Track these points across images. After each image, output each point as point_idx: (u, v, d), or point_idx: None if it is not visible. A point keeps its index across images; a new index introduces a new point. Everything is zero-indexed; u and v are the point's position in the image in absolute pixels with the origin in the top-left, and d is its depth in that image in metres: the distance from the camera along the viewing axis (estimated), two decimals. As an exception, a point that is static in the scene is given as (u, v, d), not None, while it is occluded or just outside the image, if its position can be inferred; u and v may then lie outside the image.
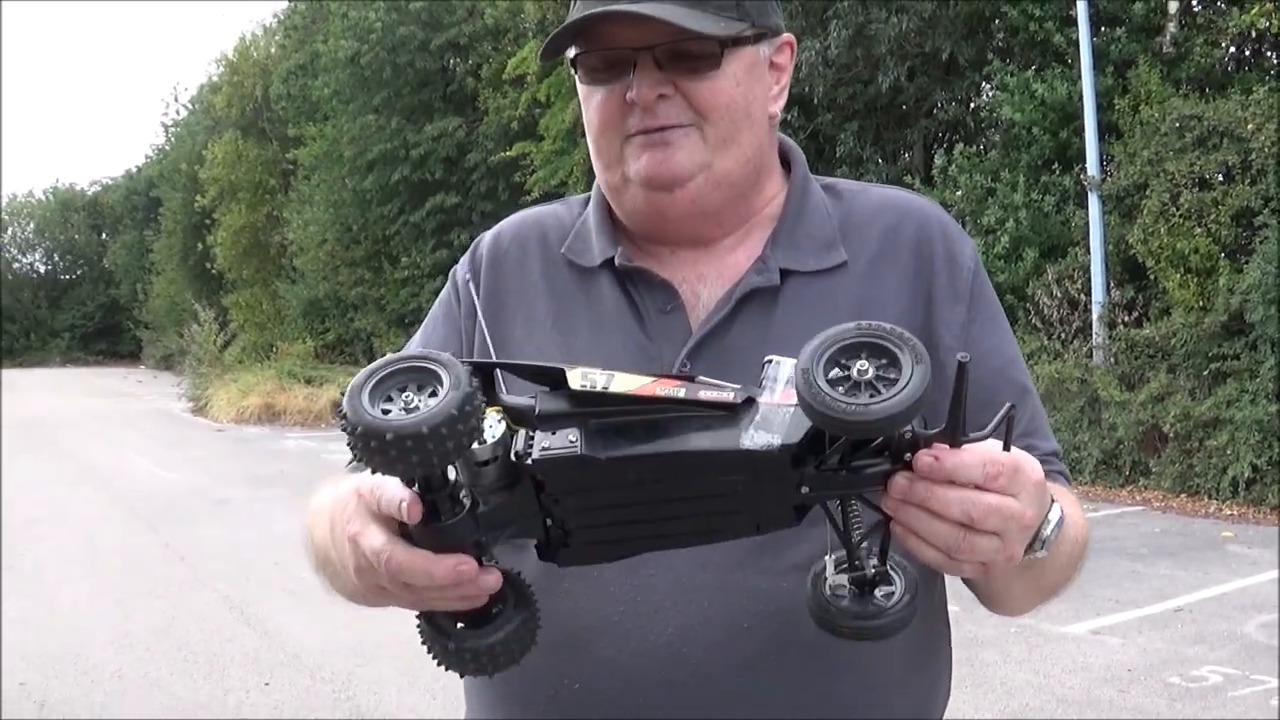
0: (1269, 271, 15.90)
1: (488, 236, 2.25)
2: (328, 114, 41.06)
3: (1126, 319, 18.81)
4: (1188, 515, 15.58)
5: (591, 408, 1.43)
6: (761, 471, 1.42)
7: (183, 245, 61.84)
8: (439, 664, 1.55)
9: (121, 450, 26.80)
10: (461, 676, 1.54)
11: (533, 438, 1.42)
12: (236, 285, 54.53)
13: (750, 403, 1.44)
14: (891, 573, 1.54)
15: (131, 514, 17.56)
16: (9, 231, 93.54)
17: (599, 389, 1.42)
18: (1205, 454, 16.43)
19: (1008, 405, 1.47)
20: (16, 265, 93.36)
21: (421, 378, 1.35)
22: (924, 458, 1.44)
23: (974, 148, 22.08)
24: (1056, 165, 20.65)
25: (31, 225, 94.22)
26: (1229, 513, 15.70)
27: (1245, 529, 14.74)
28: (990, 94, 23.04)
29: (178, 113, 70.91)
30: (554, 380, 1.45)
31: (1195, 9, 21.48)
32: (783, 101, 2.09)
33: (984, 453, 1.47)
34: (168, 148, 70.43)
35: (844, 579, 1.53)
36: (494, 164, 33.70)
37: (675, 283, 2.02)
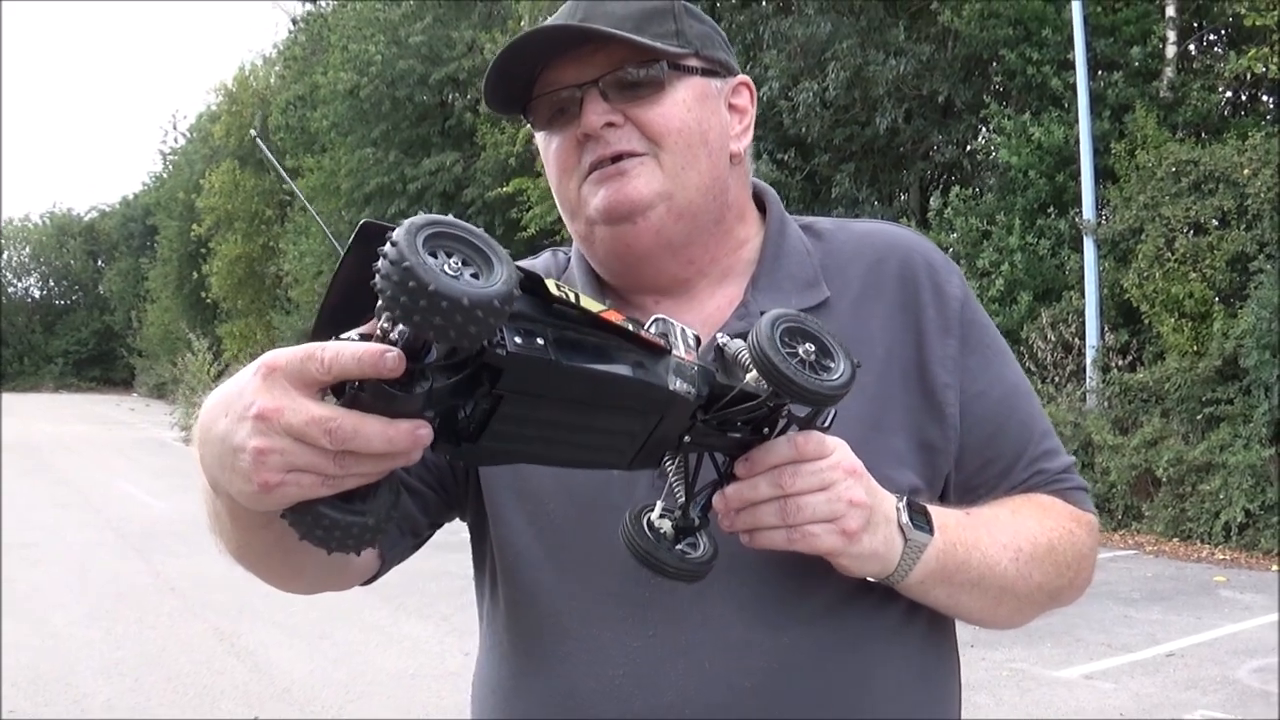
0: (1264, 316, 15.94)
1: None
2: (325, 146, 41.06)
3: (1120, 363, 18.84)
4: (1180, 560, 15.54)
5: (555, 319, 1.45)
6: (668, 415, 1.54)
7: (178, 273, 61.92)
8: (314, 534, 1.45)
9: (113, 477, 26.75)
10: (332, 552, 1.45)
11: (501, 330, 1.40)
12: (230, 315, 54.57)
13: (668, 351, 1.54)
14: (705, 536, 1.70)
15: (123, 542, 17.48)
16: (5, 255, 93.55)
17: (571, 300, 1.45)
18: (1198, 498, 16.43)
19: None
20: (12, 290, 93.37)
21: (468, 252, 1.33)
22: (740, 463, 1.65)
23: (970, 190, 22.13)
24: (1052, 209, 20.74)
25: (28, 250, 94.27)
26: (1221, 557, 15.70)
27: (1238, 574, 14.74)
28: (987, 137, 23.17)
29: (176, 141, 71.28)
30: (531, 283, 1.43)
31: (1193, 53, 21.62)
32: (746, 141, 2.08)
33: (791, 436, 1.65)
34: (165, 175, 70.69)
35: (667, 523, 1.68)
36: (490, 200, 33.53)
37: None
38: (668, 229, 1.96)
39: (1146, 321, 18.60)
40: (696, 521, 1.70)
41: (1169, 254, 18.09)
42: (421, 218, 1.31)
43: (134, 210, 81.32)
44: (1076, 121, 19.91)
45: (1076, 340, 19.31)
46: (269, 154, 2.62)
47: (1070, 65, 20.26)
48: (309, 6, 47.40)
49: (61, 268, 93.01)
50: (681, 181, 1.95)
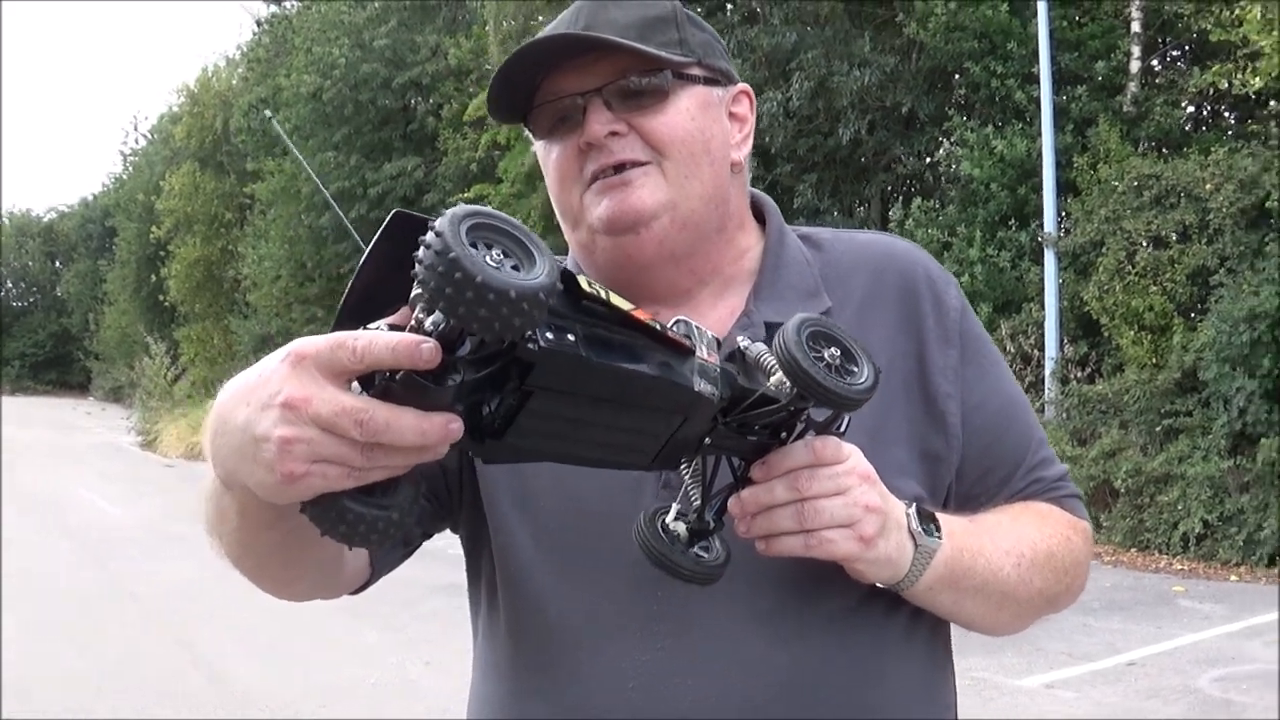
0: (1224, 330, 15.93)
1: None
2: (286, 149, 40.56)
3: (1079, 375, 18.86)
4: (1139, 570, 15.48)
5: (585, 316, 1.44)
6: (692, 415, 1.55)
7: (136, 276, 61.28)
8: (337, 528, 1.42)
9: (70, 484, 26.59)
10: (354, 547, 1.45)
11: None
12: (188, 319, 54.03)
13: (691, 353, 1.54)
14: (719, 541, 1.71)
15: (82, 549, 17.39)
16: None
17: (603, 296, 1.45)
18: (1156, 509, 16.41)
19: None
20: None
21: (509, 244, 1.32)
22: (756, 467, 1.66)
23: (931, 202, 22.12)
24: (1013, 221, 20.79)
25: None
26: (1180, 567, 15.70)
27: (1196, 584, 14.75)
28: (949, 149, 23.14)
29: (137, 142, 70.48)
30: (564, 279, 1.41)
31: (1156, 69, 21.79)
32: (747, 149, 2.08)
33: (808, 440, 1.67)
34: (125, 177, 69.94)
35: (681, 525, 1.68)
36: (452, 205, 33.06)
37: None
38: (671, 239, 1.96)
39: (1106, 334, 18.64)
40: (711, 525, 1.70)
41: (1130, 267, 18.14)
42: (463, 208, 1.30)
43: (93, 212, 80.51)
44: (1039, 135, 19.98)
45: (1036, 352, 19.35)
46: (286, 138, 2.69)
47: (1034, 79, 20.37)
48: (274, 8, 47.30)
49: (19, 269, 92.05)
50: (685, 191, 1.95)
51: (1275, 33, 16.82)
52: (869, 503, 1.69)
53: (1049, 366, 18.93)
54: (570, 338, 1.39)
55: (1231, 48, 18.47)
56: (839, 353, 1.58)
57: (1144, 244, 18.13)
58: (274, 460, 1.36)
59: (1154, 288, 17.88)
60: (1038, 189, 20.17)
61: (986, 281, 20.06)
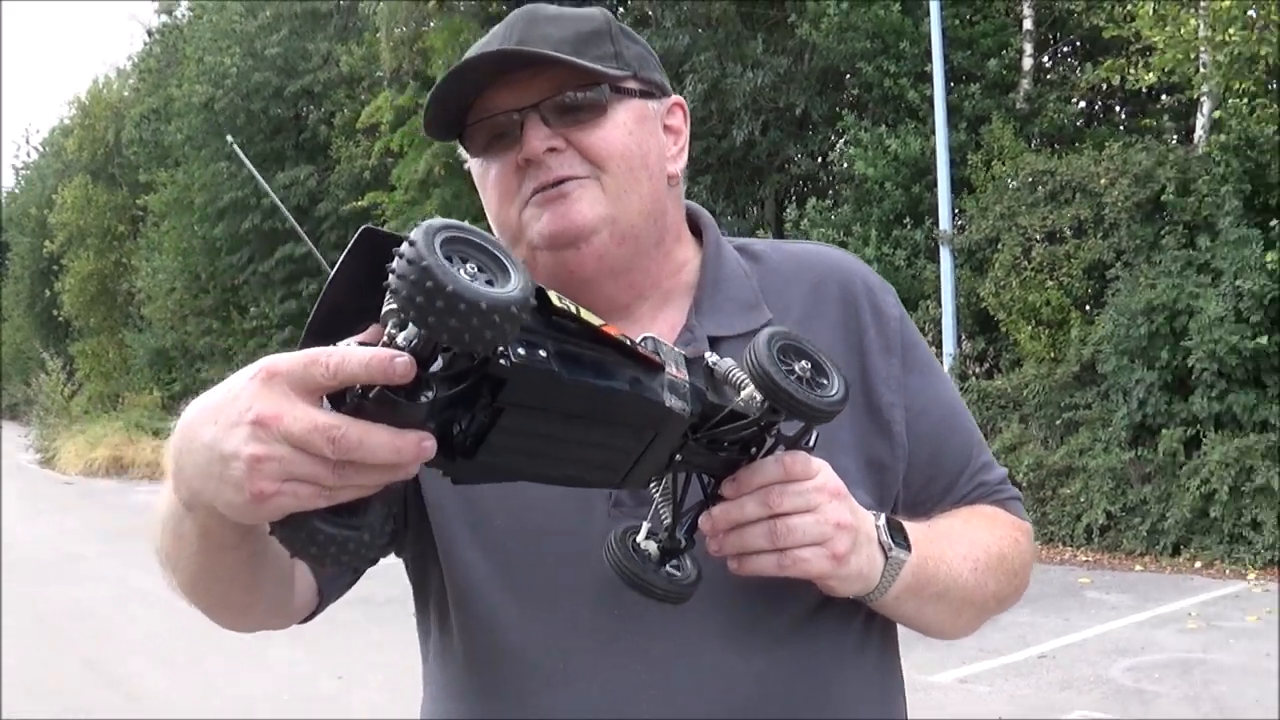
0: (1121, 323, 16.02)
1: None
2: (179, 160, 40.40)
3: (978, 370, 19.06)
4: (1044, 563, 15.34)
5: (555, 332, 1.41)
6: (664, 431, 1.52)
7: (30, 291, 60.73)
8: (309, 550, 1.39)
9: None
10: (326, 567, 1.51)
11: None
12: (83, 333, 53.53)
13: (661, 368, 1.50)
14: (691, 559, 1.68)
15: (-17, 570, 16.95)
16: None
17: (574, 312, 1.42)
18: (1059, 502, 16.54)
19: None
20: None
21: (483, 258, 1.30)
22: (727, 484, 1.64)
23: (826, 202, 22.04)
24: (908, 219, 20.74)
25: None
26: (1084, 559, 15.84)
27: (1101, 575, 14.89)
28: (843, 149, 23.17)
29: (29, 155, 69.73)
30: (537, 294, 1.38)
31: (1048, 65, 22.07)
32: (682, 162, 2.04)
33: (779, 456, 1.64)
34: (17, 191, 69.14)
35: (652, 544, 1.65)
36: (345, 213, 33.41)
37: None
38: (611, 253, 1.92)
39: (1003, 329, 18.64)
40: (683, 543, 1.67)
41: (1026, 263, 18.14)
42: (438, 221, 1.28)
43: (-14, 227, 79.67)
44: (933, 133, 19.93)
45: (934, 348, 19.02)
46: (243, 156, 2.45)
47: (927, 77, 20.30)
48: (165, 18, 46.78)
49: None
50: (624, 205, 1.91)
51: (1168, 28, 16.93)
52: (840, 519, 1.67)
53: (947, 363, 18.78)
54: (542, 354, 1.37)
55: (1123, 43, 18.68)
56: (809, 365, 1.58)
57: (1039, 239, 18.12)
58: (243, 479, 1.33)
59: (1050, 283, 17.89)
60: (932, 187, 20.14)
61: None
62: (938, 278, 19.41)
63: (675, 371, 1.52)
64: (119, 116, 49.90)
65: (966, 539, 1.95)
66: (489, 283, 1.26)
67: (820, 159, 24.57)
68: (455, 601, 1.94)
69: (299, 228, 2.52)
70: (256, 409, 1.31)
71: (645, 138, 1.94)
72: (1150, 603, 13.03)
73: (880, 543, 1.75)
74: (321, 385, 1.30)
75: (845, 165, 22.38)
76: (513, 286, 1.27)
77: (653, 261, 1.99)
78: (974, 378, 18.63)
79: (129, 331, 47.63)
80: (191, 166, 38.96)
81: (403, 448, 1.30)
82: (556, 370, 1.37)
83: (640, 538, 1.66)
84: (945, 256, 19.17)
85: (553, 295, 1.39)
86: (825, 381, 1.58)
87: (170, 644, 11.57)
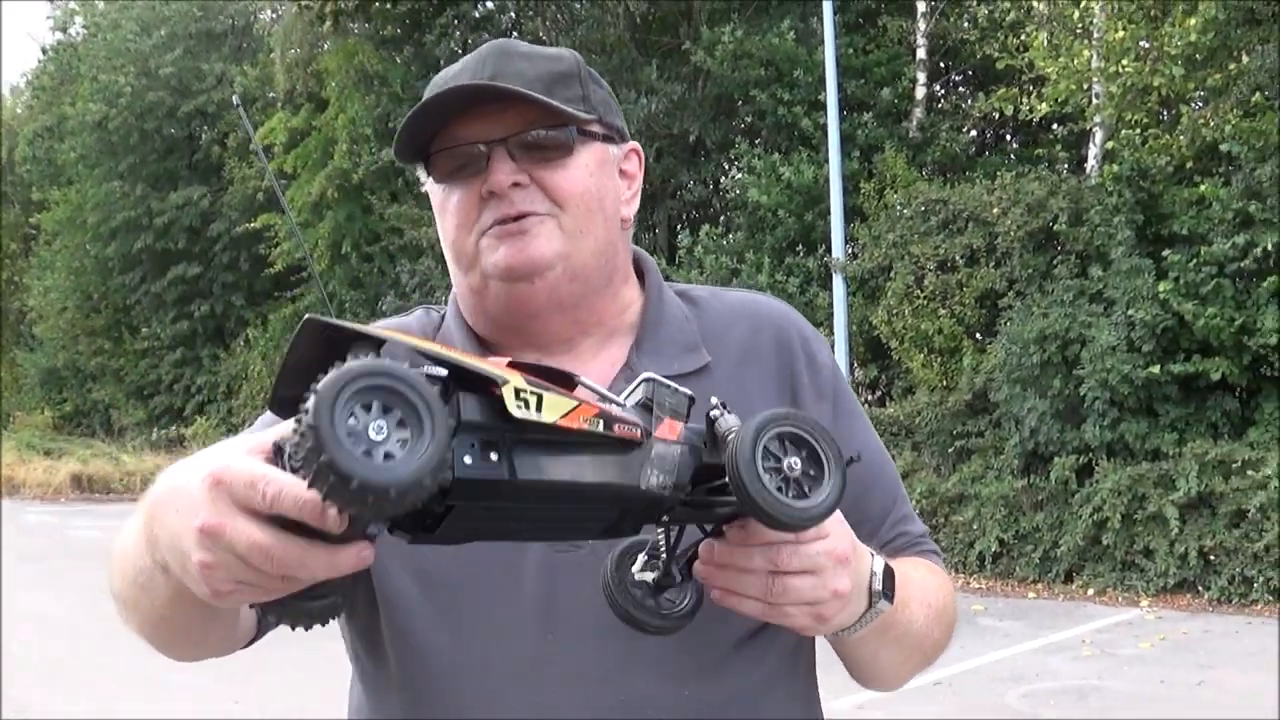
0: (1014, 351, 15.90)
1: None
2: (72, 178, 39.80)
3: (870, 398, 19.03)
4: (937, 590, 15.30)
5: (514, 426, 1.33)
6: (648, 504, 1.46)
7: (-80, 310, 59.43)
8: (290, 622, 1.43)
9: None
10: (308, 629, 1.43)
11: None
12: (-26, 353, 52.39)
13: (647, 435, 1.44)
14: (688, 585, 1.64)
15: None
16: None
17: (531, 418, 1.33)
18: (952, 529, 16.42)
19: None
20: None
21: (405, 410, 1.20)
22: (735, 530, 1.56)
23: (719, 229, 22.03)
24: (801, 247, 20.76)
25: None
26: (977, 586, 15.71)
27: (995, 602, 14.81)
28: (736, 176, 23.14)
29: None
30: (485, 388, 1.32)
31: (941, 94, 22.44)
32: (634, 207, 2.07)
33: None
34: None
35: (648, 575, 1.61)
36: (238, 235, 33.28)
37: None
38: (562, 289, 1.93)
39: (896, 357, 18.49)
40: (679, 578, 1.63)
41: (918, 291, 18.00)
42: (357, 366, 1.20)
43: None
44: (826, 161, 19.69)
45: (827, 375, 19.04)
46: (248, 122, 2.27)
47: (821, 106, 20.21)
48: (60, 35, 45.84)
49: None
50: (579, 244, 1.93)
51: (1061, 59, 17.11)
52: (838, 588, 1.62)
53: (839, 390, 18.60)
54: (494, 456, 1.31)
55: (1016, 73, 18.78)
56: (805, 457, 1.45)
57: (932, 268, 18.00)
58: (198, 580, 1.37)
59: (943, 311, 17.78)
60: (825, 215, 19.93)
61: (775, 308, 19.65)
62: (830, 305, 19.20)
63: (667, 434, 1.45)
64: (12, 134, 49.01)
65: (920, 585, 1.94)
66: (403, 441, 1.19)
67: (713, 186, 24.58)
68: (388, 627, 1.90)
69: (300, 236, 2.31)
70: (203, 517, 1.32)
71: (604, 181, 1.95)
72: (1044, 630, 13.03)
73: (870, 590, 1.71)
74: (260, 508, 1.29)
75: (738, 192, 22.28)
76: (420, 451, 1.19)
77: (601, 300, 2.00)
78: (866, 405, 18.34)
79: (20, 350, 46.83)
80: (85, 185, 38.33)
81: (341, 564, 1.31)
82: (508, 477, 1.32)
83: (637, 568, 1.60)
84: (838, 284, 18.93)
85: (510, 398, 1.32)
86: (819, 476, 1.45)
87: (62, 666, 11.44)
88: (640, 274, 2.13)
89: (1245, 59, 16.22)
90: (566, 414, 1.36)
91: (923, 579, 1.97)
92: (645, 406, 1.46)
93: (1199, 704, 9.98)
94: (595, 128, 1.95)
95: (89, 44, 40.51)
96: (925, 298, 17.89)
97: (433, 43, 26.40)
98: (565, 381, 1.42)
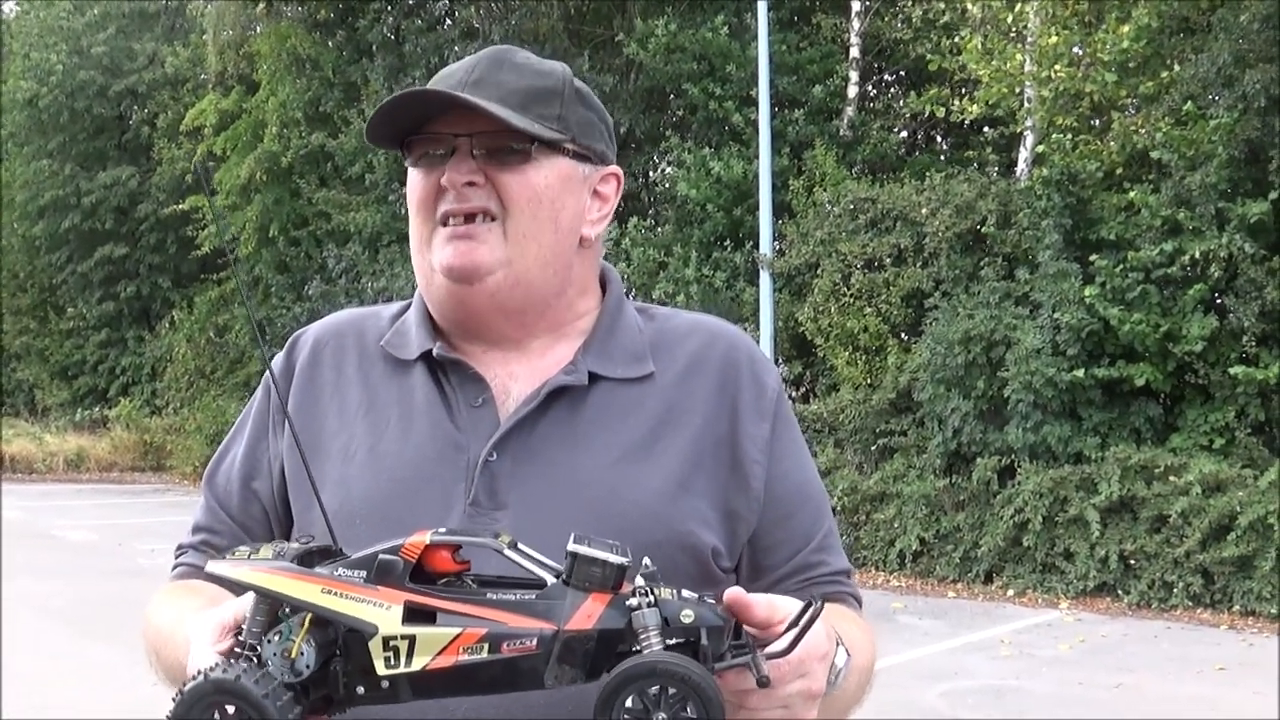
0: (938, 351, 15.80)
1: (308, 332, 2.20)
2: (1, 156, 38.75)
3: (794, 395, 18.77)
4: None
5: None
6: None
7: None
8: None
9: None
10: None
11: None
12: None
13: (555, 633, 1.35)
14: None
15: None
16: None
17: (400, 673, 1.33)
18: (873, 527, 16.34)
19: (812, 605, 1.46)
20: None
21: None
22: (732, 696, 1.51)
23: (647, 221, 21.71)
24: (729, 242, 20.49)
25: None
26: (897, 584, 15.67)
27: (914, 600, 14.77)
28: (666, 169, 23.00)
29: None
30: (362, 632, 1.34)
31: (873, 94, 22.32)
32: (601, 228, 2.06)
33: (779, 665, 1.51)
34: None
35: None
36: (165, 216, 32.70)
37: (488, 378, 2.00)
38: (503, 294, 1.96)
39: (821, 354, 18.32)
40: None
41: (845, 289, 17.84)
42: (211, 680, 1.31)
43: None
44: (756, 157, 19.60)
45: (750, 371, 18.82)
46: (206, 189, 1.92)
47: (752, 101, 20.08)
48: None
49: None
50: (522, 250, 1.94)
51: (994, 62, 17.01)
52: (805, 718, 1.59)
53: (763, 386, 18.36)
54: (385, 686, 1.35)
55: (947, 74, 18.69)
56: (680, 700, 1.26)
57: (859, 266, 17.84)
58: None
59: (869, 309, 17.64)
60: (754, 210, 19.82)
61: (702, 301, 19.58)
62: (756, 301, 19.04)
63: (583, 622, 1.33)
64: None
65: (855, 644, 1.86)
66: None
67: (643, 179, 24.29)
68: None
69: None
70: None
71: (563, 195, 1.95)
72: (963, 629, 13.01)
73: (827, 681, 1.64)
74: None
75: (668, 186, 22.19)
76: None
77: (550, 308, 2.01)
78: (790, 401, 18.02)
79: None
80: (13, 163, 37.50)
81: None
82: (400, 701, 1.34)
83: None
84: (765, 280, 18.76)
85: (377, 653, 1.32)
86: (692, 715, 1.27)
87: (25, 672, 10.72)
88: (604, 286, 2.14)
89: (1177, 67, 16.09)
90: (445, 648, 1.32)
91: (854, 634, 1.90)
92: (565, 581, 1.36)
93: (1117, 707, 10.00)
94: (565, 143, 1.95)
95: (21, 21, 39.61)
96: (851, 296, 17.75)
97: (365, 28, 25.99)
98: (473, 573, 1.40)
